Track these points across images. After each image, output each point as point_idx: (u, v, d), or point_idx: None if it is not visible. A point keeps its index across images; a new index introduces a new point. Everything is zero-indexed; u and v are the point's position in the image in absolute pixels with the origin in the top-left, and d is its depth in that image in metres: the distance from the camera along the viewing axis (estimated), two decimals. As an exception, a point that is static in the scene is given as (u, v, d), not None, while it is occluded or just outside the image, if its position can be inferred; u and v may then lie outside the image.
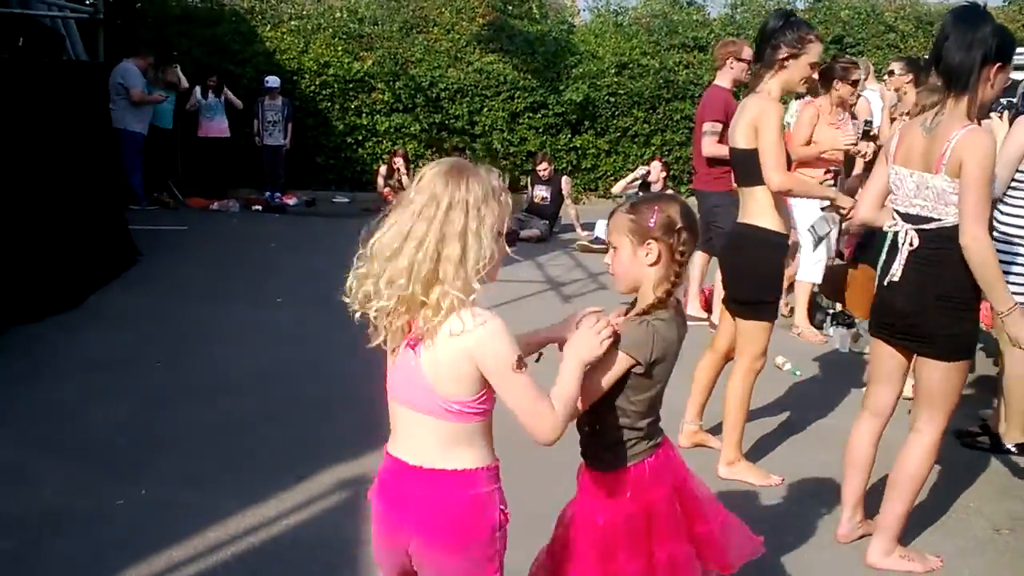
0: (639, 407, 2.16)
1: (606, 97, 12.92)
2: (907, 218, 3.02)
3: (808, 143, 5.86)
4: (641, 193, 9.32)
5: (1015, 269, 4.08)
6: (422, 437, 1.91)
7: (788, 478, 3.91)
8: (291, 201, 11.67)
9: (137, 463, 3.89)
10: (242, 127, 11.64)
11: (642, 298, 2.18)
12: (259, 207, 11.27)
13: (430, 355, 1.84)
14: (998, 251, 3.76)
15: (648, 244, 2.13)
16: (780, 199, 3.79)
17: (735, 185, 3.98)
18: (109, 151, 7.88)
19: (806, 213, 5.99)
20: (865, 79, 8.42)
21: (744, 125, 3.76)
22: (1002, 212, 4.19)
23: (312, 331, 5.95)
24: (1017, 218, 4.13)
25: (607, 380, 2.09)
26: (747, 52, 6.02)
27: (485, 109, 12.82)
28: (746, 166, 3.78)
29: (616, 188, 9.71)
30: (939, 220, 2.94)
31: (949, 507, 3.72)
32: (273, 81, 11.45)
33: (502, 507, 1.95)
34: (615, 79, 12.93)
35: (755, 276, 3.79)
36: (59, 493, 3.60)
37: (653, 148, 12.98)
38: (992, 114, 5.04)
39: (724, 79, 6.16)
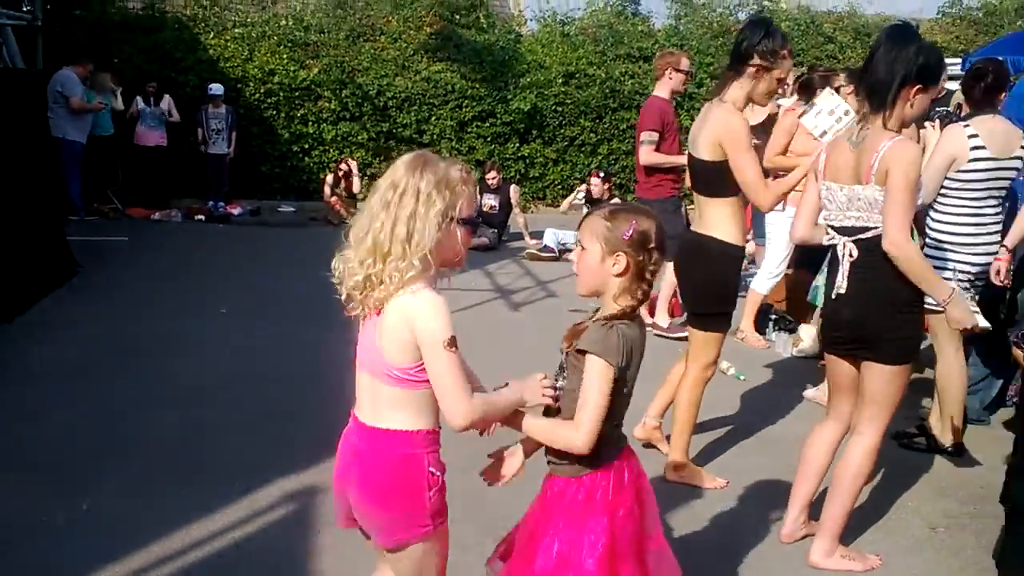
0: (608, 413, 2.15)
1: (553, 106, 13.01)
2: (842, 231, 3.11)
3: (785, 152, 5.93)
4: (609, 204, 9.38)
5: (945, 274, 4.21)
6: (371, 398, 2.10)
7: (733, 481, 3.97)
8: (235, 211, 11.53)
9: (79, 477, 3.80)
10: (185, 135, 11.47)
11: (604, 306, 2.18)
12: (202, 217, 11.11)
13: (381, 324, 2.04)
14: (929, 256, 3.91)
15: (618, 255, 2.13)
16: (739, 211, 3.83)
17: (694, 193, 3.94)
18: (47, 161, 7.69)
19: (778, 224, 6.07)
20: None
21: (708, 137, 3.72)
22: (932, 219, 4.31)
23: (257, 342, 5.88)
24: (946, 224, 4.24)
25: (603, 392, 2.08)
26: (685, 63, 6.15)
27: (433, 118, 12.82)
28: (707, 177, 3.78)
29: (563, 206, 9.78)
30: (875, 228, 3.02)
31: (888, 507, 3.81)
32: (217, 89, 11.32)
33: (432, 470, 2.08)
34: (562, 88, 13.03)
35: (711, 288, 3.82)
36: (-5, 510, 3.51)
37: (600, 157, 13.11)
38: (927, 123, 5.19)
39: (662, 89, 6.28)
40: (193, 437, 4.28)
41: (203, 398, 4.80)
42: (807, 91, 6.00)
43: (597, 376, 2.08)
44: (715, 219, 3.79)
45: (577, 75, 13.14)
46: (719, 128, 3.67)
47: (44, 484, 3.74)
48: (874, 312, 3.05)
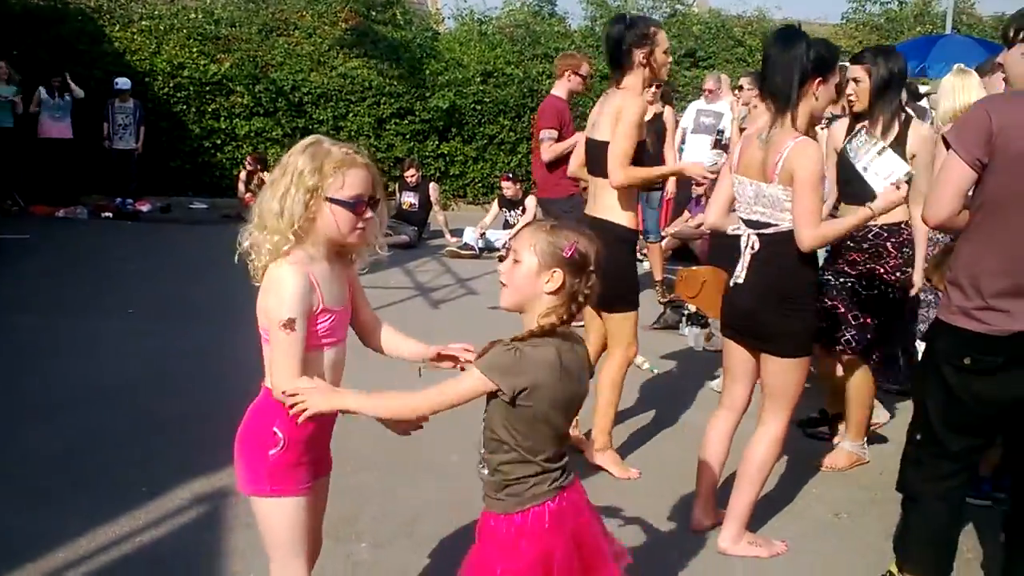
0: (527, 442, 2.02)
1: (472, 105, 13.01)
2: (748, 223, 3.22)
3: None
4: (519, 211, 9.43)
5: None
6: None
7: (643, 471, 4.05)
8: (144, 207, 11.20)
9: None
10: (91, 130, 11.09)
11: (525, 323, 2.06)
12: (109, 214, 10.77)
13: (261, 289, 2.16)
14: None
15: (554, 271, 2.02)
16: (632, 194, 3.93)
17: (589, 177, 4.05)
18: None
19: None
20: (719, 91, 8.85)
21: (608, 116, 3.83)
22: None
23: (163, 343, 5.73)
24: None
25: (454, 393, 2.02)
26: (585, 68, 6.29)
27: (351, 114, 12.69)
28: (601, 157, 3.87)
29: (487, 219, 9.72)
30: (776, 225, 3.14)
31: (793, 494, 3.94)
32: (123, 83, 10.99)
33: (276, 430, 2.16)
34: (480, 87, 13.05)
35: (608, 270, 3.87)
36: None
37: (519, 156, 13.17)
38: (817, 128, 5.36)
39: (560, 89, 6.38)
40: (95, 441, 4.15)
41: (105, 401, 4.65)
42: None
43: (465, 380, 2.02)
44: (607, 201, 3.90)
45: (495, 74, 13.18)
46: (618, 104, 3.80)
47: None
48: (769, 306, 3.15)
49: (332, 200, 2.09)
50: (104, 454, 4.02)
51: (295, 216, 2.08)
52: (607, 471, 4.00)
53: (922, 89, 7.58)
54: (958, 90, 4.46)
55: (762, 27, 14.95)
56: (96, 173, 11.23)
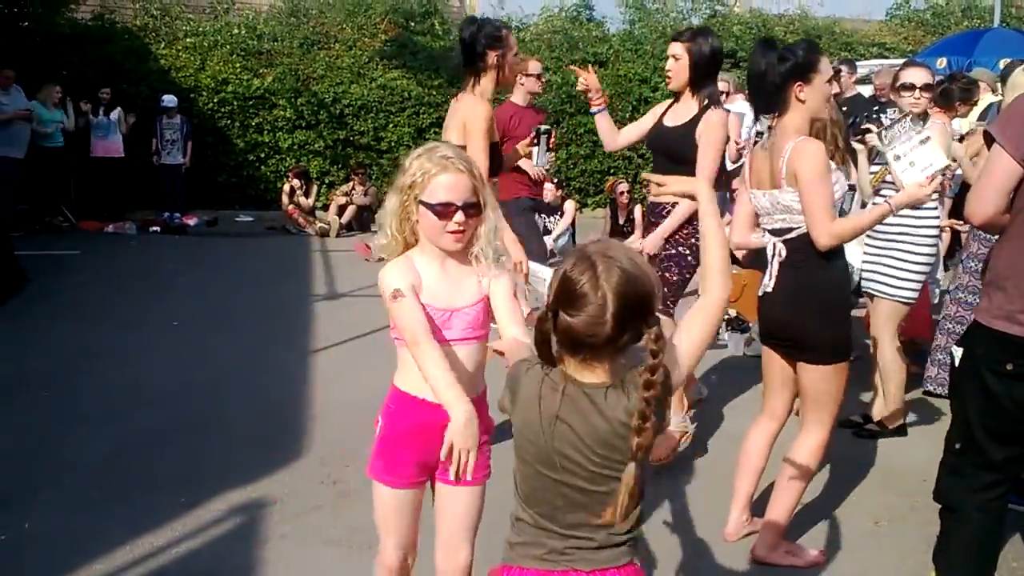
0: (523, 485, 1.82)
1: (511, 111, 13.00)
2: (773, 232, 3.18)
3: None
4: (558, 216, 9.41)
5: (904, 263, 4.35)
6: None
7: (680, 477, 4.01)
8: (191, 221, 11.42)
9: (20, 495, 3.74)
10: (139, 147, 11.34)
11: None
12: (157, 228, 10.99)
13: None
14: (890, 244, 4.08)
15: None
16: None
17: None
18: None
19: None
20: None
21: (456, 123, 3.93)
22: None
23: (206, 354, 5.82)
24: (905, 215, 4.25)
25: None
26: (534, 67, 6.22)
27: (391, 125, 12.79)
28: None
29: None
30: (797, 228, 3.10)
31: (832, 501, 3.86)
32: (170, 100, 11.21)
33: (380, 417, 2.41)
34: (519, 94, 13.03)
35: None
36: (-68, 533, 3.43)
37: (559, 161, 13.13)
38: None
39: (517, 96, 6.28)
40: (136, 451, 4.23)
41: (147, 411, 4.74)
42: (946, 99, 5.56)
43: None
44: None
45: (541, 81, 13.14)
46: (467, 114, 3.89)
47: (-17, 504, 3.67)
48: (802, 314, 3.10)
49: (422, 203, 2.21)
50: (145, 463, 4.10)
51: (395, 217, 2.25)
52: None
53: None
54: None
55: (804, 26, 14.73)
56: (144, 189, 11.47)
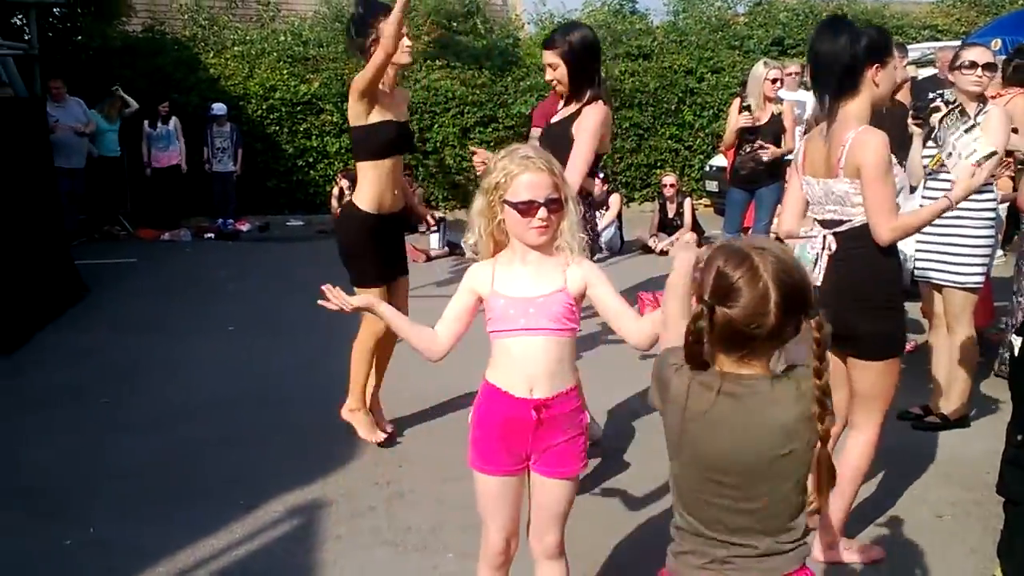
0: (679, 483, 1.79)
1: (555, 108, 12.98)
2: (824, 224, 3.10)
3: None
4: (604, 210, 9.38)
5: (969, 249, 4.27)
6: None
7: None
8: (244, 227, 11.60)
9: (82, 502, 3.83)
10: (192, 155, 11.57)
11: None
12: (211, 235, 11.19)
13: None
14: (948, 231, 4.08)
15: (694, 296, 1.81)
16: (375, 177, 4.11)
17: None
18: (49, 186, 7.76)
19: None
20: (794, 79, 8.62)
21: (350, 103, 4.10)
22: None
23: (261, 359, 5.91)
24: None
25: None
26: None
27: (436, 126, 12.85)
28: (352, 143, 4.25)
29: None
30: (849, 221, 3.02)
31: (894, 495, 3.79)
32: (219, 109, 11.40)
33: (473, 407, 2.48)
34: (563, 90, 13.01)
35: (343, 251, 4.25)
36: (3, 536, 3.53)
37: (605, 156, 13.07)
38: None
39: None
40: (194, 456, 4.31)
41: (204, 417, 4.83)
42: (1020, 75, 5.36)
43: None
44: (358, 184, 4.19)
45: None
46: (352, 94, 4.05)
47: (46, 510, 3.76)
48: (852, 306, 3.00)
49: (506, 202, 2.32)
50: (202, 467, 4.18)
51: (483, 217, 2.38)
52: None
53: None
54: None
55: (853, 10, 14.42)
56: (198, 196, 11.69)
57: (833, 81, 3.00)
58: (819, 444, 1.67)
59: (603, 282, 2.40)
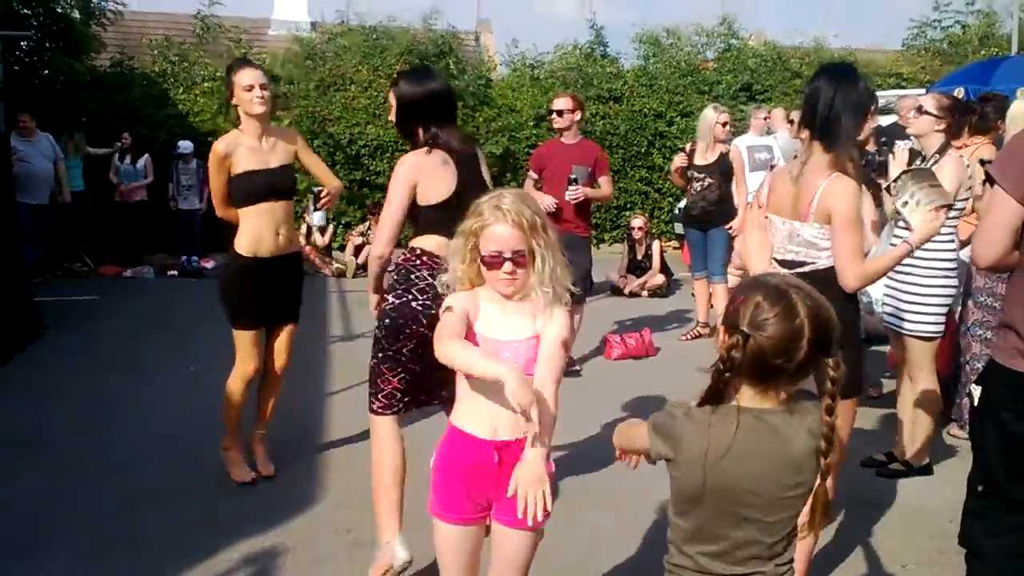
0: (683, 522, 1.88)
1: (526, 149, 13.06)
2: (783, 264, 3.11)
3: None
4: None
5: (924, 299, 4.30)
6: None
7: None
8: (209, 264, 11.46)
9: (41, 546, 3.71)
10: (157, 192, 11.46)
11: None
12: (175, 272, 11.05)
13: None
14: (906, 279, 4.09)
15: (721, 328, 1.89)
16: (248, 224, 4.20)
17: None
18: (8, 221, 7.63)
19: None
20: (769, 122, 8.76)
21: None
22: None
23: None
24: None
25: (634, 439, 2.00)
26: (555, 103, 6.52)
27: (405, 165, 12.84)
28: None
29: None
30: (812, 264, 3.04)
31: (856, 544, 3.77)
32: (185, 147, 11.31)
33: (436, 448, 2.46)
34: (534, 131, 13.12)
35: (219, 291, 4.36)
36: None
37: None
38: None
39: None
40: (153, 501, 4.20)
41: (164, 460, 4.71)
42: (984, 122, 5.37)
43: (642, 427, 1.95)
44: (239, 228, 4.26)
45: (549, 118, 13.21)
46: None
47: (2, 556, 3.65)
48: None
49: (480, 253, 2.35)
50: (161, 513, 4.06)
51: (460, 257, 2.40)
52: None
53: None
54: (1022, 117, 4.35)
55: (819, 58, 14.71)
56: (162, 233, 11.57)
57: (837, 127, 3.01)
58: (818, 478, 1.80)
59: (551, 338, 2.35)
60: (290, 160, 4.33)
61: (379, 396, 3.40)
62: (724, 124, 7.14)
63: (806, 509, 1.85)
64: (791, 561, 1.86)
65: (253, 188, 4.17)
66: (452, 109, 3.57)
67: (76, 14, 11.96)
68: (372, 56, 13.48)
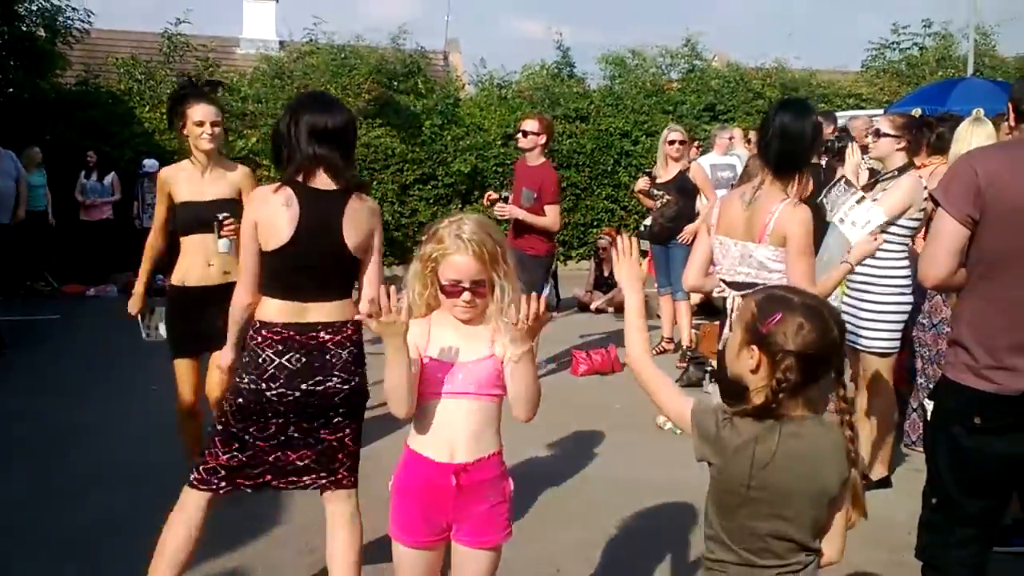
0: (725, 521, 2.00)
1: (493, 167, 13.16)
2: (732, 285, 3.19)
3: None
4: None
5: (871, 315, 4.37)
6: None
7: (659, 535, 3.95)
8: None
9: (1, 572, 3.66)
10: (122, 210, 11.37)
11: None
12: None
13: None
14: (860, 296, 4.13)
15: (752, 348, 1.94)
16: (186, 256, 4.23)
17: None
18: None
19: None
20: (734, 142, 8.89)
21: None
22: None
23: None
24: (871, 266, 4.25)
25: (664, 392, 2.14)
26: (524, 124, 6.68)
27: (375, 182, 12.87)
28: None
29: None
30: (762, 284, 3.09)
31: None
32: (150, 165, 11.21)
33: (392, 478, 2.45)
34: (501, 150, 13.20)
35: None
36: None
37: (542, 215, 13.22)
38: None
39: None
40: (114, 526, 4.15)
41: (125, 485, 4.65)
42: (941, 142, 5.41)
43: (681, 400, 2.09)
44: None
45: (516, 137, 13.30)
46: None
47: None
48: None
49: (439, 280, 2.33)
50: (122, 538, 4.00)
51: (418, 281, 2.38)
52: None
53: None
54: (966, 139, 4.45)
55: (781, 78, 14.98)
56: (126, 251, 11.44)
57: (789, 157, 3.14)
58: (855, 465, 1.96)
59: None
60: (230, 195, 4.21)
61: (200, 468, 3.09)
62: (672, 142, 7.27)
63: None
64: (819, 549, 2.02)
65: (183, 219, 4.20)
66: (333, 141, 3.00)
67: (42, 32, 11.88)
68: (340, 75, 13.50)
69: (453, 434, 2.33)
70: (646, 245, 11.64)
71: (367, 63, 13.68)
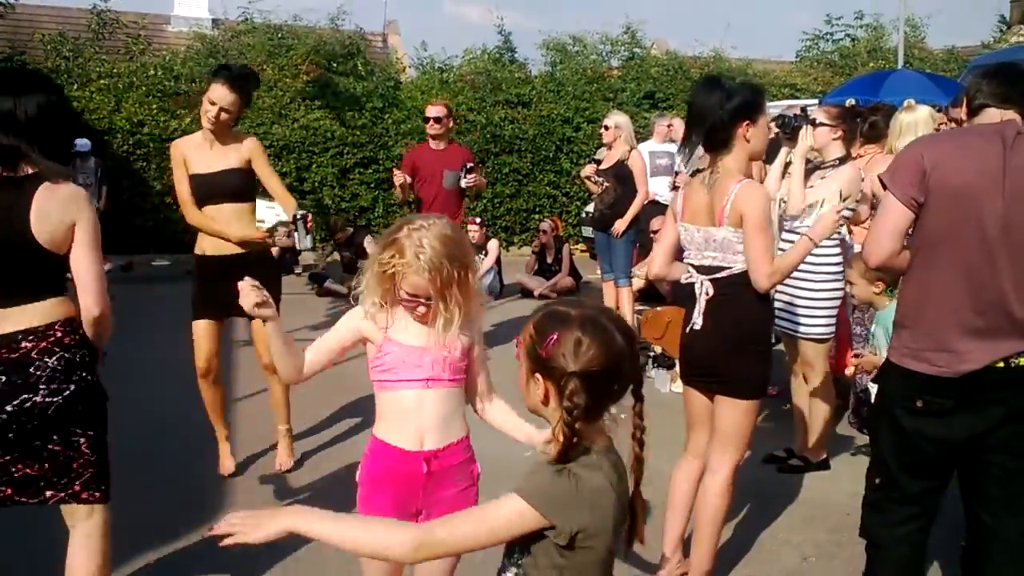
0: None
1: (434, 152, 13.04)
2: (700, 269, 3.23)
3: None
4: (482, 255, 9.39)
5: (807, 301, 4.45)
6: None
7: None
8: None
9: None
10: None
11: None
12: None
13: None
14: (795, 283, 4.16)
15: (536, 377, 1.72)
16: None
17: None
18: None
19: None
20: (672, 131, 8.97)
21: None
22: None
23: (129, 406, 5.56)
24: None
25: (492, 530, 1.66)
26: (427, 110, 6.91)
27: (314, 165, 12.68)
28: None
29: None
30: (729, 268, 3.16)
31: (760, 539, 3.90)
32: (83, 144, 10.86)
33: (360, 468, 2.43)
34: (442, 134, 13.10)
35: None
36: None
37: (484, 200, 13.21)
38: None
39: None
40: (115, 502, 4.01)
41: (126, 464, 4.50)
42: (875, 131, 5.51)
43: (502, 507, 1.65)
44: None
45: (458, 120, 13.22)
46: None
47: None
48: (729, 349, 3.16)
49: (400, 287, 2.27)
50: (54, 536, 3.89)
51: (374, 272, 2.30)
52: None
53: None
54: (910, 127, 4.60)
55: (718, 67, 15.15)
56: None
57: (705, 136, 3.15)
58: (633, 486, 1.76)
59: (482, 360, 2.48)
60: (238, 164, 4.38)
61: None
62: (606, 128, 7.39)
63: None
64: None
65: (196, 191, 4.33)
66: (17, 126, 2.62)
67: (-39, 6, 11.40)
68: (277, 55, 13.25)
69: (422, 421, 2.32)
70: (588, 231, 11.75)
71: (305, 43, 13.45)
